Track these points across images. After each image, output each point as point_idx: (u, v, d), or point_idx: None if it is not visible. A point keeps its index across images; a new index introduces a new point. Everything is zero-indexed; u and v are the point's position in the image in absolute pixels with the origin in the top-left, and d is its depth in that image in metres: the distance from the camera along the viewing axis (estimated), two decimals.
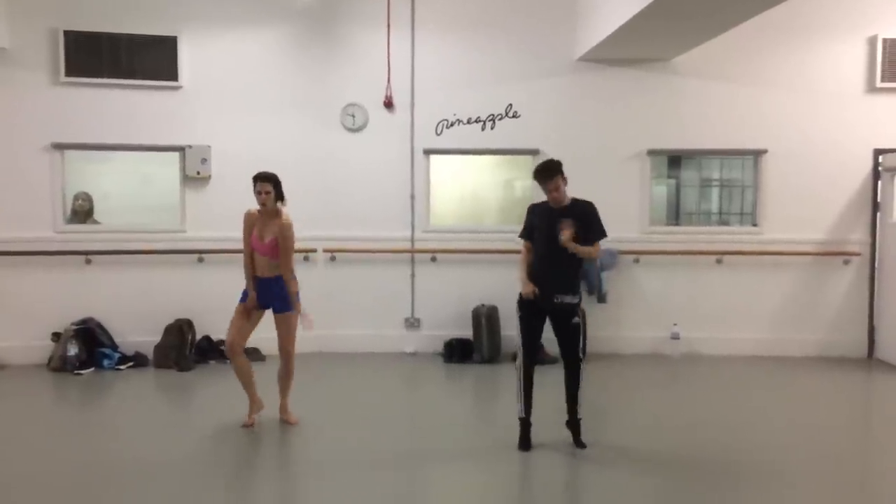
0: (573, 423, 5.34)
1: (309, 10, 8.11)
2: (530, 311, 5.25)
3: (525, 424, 5.30)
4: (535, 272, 5.24)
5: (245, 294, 5.73)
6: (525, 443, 5.28)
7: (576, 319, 5.25)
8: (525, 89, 8.29)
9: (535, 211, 5.39)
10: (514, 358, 5.37)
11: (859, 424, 6.54)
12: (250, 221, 5.70)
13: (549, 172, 5.13)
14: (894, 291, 8.16)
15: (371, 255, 8.27)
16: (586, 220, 5.18)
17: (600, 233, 5.24)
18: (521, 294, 5.25)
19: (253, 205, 5.71)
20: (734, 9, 6.20)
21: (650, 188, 8.46)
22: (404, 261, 8.37)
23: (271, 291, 5.69)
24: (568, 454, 5.24)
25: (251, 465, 5.26)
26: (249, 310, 5.71)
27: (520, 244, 5.45)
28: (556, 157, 8.05)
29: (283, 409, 5.90)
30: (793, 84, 8.25)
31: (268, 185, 5.59)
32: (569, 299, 5.22)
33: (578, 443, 5.30)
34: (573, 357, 5.28)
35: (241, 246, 5.75)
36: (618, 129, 8.29)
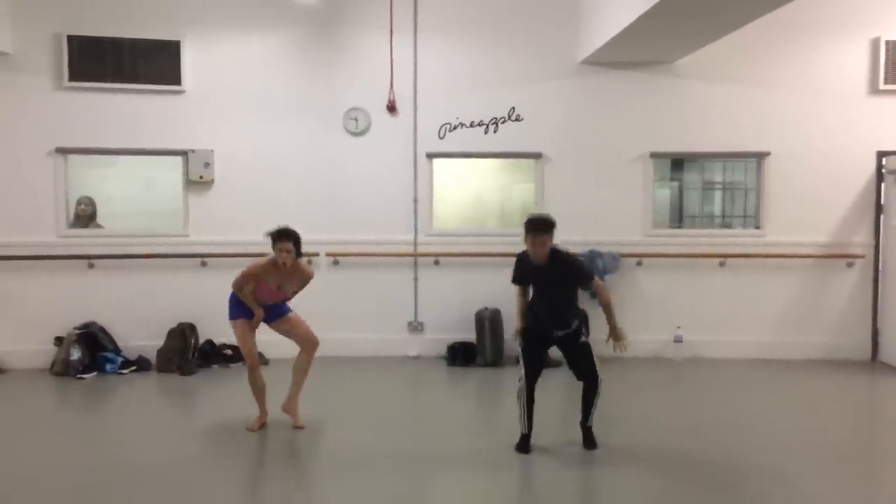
0: (585, 428, 5.37)
1: (311, 13, 8.12)
2: (532, 342, 5.30)
3: (526, 438, 5.32)
4: (535, 312, 5.30)
5: (240, 311, 5.69)
6: (524, 448, 5.29)
7: (583, 338, 5.31)
8: (528, 92, 8.29)
9: (524, 260, 5.31)
10: (517, 360, 5.34)
11: (863, 427, 6.52)
12: (263, 273, 5.60)
13: (542, 229, 5.11)
14: None
15: (374, 258, 8.27)
16: (571, 273, 5.26)
17: (588, 278, 5.33)
18: (526, 327, 5.32)
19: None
20: (737, 10, 6.20)
21: (653, 191, 8.45)
22: (407, 264, 8.36)
23: (274, 310, 5.81)
24: (570, 457, 5.24)
25: (255, 468, 5.26)
26: (254, 326, 5.75)
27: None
28: (559, 161, 8.12)
29: (294, 407, 5.88)
30: (796, 86, 8.25)
31: (289, 244, 5.53)
32: (575, 323, 5.31)
33: (590, 445, 5.33)
34: (592, 376, 5.30)
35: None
36: (621, 132, 8.29)
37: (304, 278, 5.79)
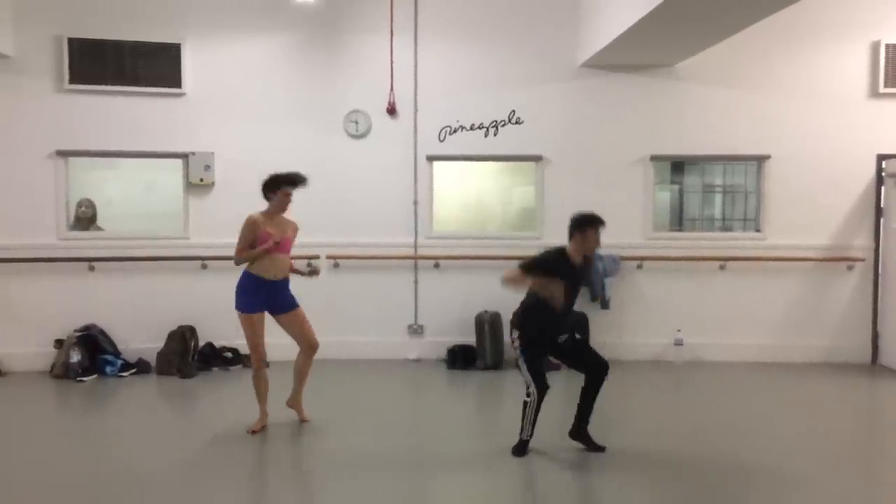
0: (586, 432, 5.38)
1: (311, 16, 8.12)
2: (537, 352, 5.27)
3: (526, 443, 5.32)
4: (548, 322, 5.22)
5: (249, 302, 5.66)
6: (522, 451, 5.29)
7: (577, 335, 5.40)
8: (528, 95, 8.30)
9: (564, 261, 5.22)
10: (527, 395, 5.26)
11: (863, 430, 6.52)
12: (263, 222, 5.65)
13: (602, 222, 5.25)
14: None
15: (374, 261, 8.27)
16: (591, 266, 5.49)
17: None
18: (525, 339, 5.21)
19: (255, 211, 5.75)
20: (738, 14, 6.20)
21: (653, 194, 8.46)
22: (407, 267, 8.36)
23: (284, 292, 5.79)
24: (570, 460, 5.23)
25: (255, 471, 5.26)
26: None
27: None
28: (559, 164, 8.15)
29: (298, 404, 5.98)
30: (796, 89, 8.25)
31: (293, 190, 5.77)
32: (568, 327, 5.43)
33: (598, 447, 5.34)
34: (601, 363, 5.30)
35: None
36: (621, 135, 8.29)
37: (294, 225, 5.87)
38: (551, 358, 5.64)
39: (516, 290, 5.29)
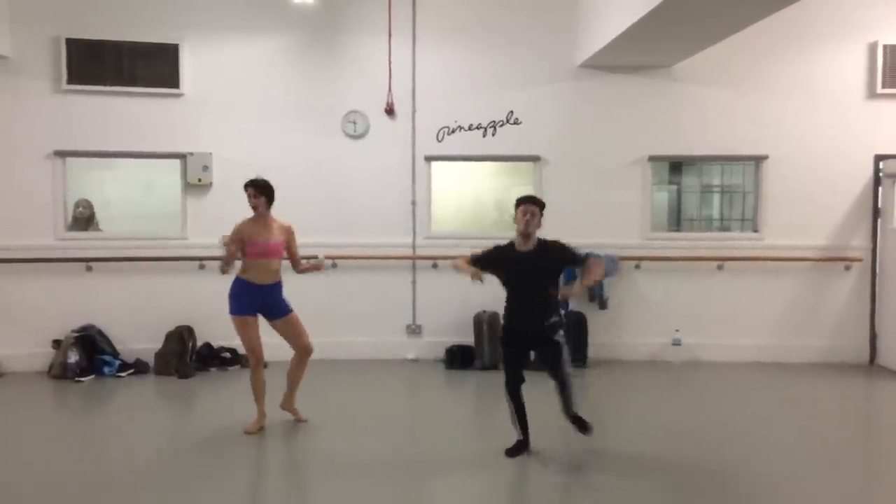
0: (572, 417, 5.32)
1: (310, 16, 8.12)
2: (513, 343, 5.27)
3: (521, 443, 5.32)
4: (513, 311, 5.25)
5: (242, 305, 5.70)
6: (515, 452, 5.28)
7: (557, 337, 5.20)
8: (526, 96, 8.30)
9: (505, 248, 5.29)
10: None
11: (861, 431, 6.52)
12: (248, 229, 5.75)
13: (531, 200, 5.25)
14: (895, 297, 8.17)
15: (372, 261, 8.27)
16: (560, 257, 5.24)
17: (580, 254, 5.29)
18: (503, 328, 5.31)
19: (251, 214, 5.82)
20: (736, 14, 6.21)
21: (651, 194, 8.46)
22: (406, 267, 8.37)
23: (274, 297, 5.81)
24: (568, 461, 5.24)
25: (253, 472, 5.26)
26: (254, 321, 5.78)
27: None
28: (557, 164, 8.14)
29: (291, 405, 6.02)
30: (793, 90, 8.26)
31: (252, 189, 5.81)
32: (554, 319, 5.22)
33: (582, 429, 5.27)
34: (560, 374, 5.21)
35: (240, 253, 5.76)
36: (619, 136, 8.30)
37: (285, 228, 5.91)
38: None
39: (464, 277, 5.31)
